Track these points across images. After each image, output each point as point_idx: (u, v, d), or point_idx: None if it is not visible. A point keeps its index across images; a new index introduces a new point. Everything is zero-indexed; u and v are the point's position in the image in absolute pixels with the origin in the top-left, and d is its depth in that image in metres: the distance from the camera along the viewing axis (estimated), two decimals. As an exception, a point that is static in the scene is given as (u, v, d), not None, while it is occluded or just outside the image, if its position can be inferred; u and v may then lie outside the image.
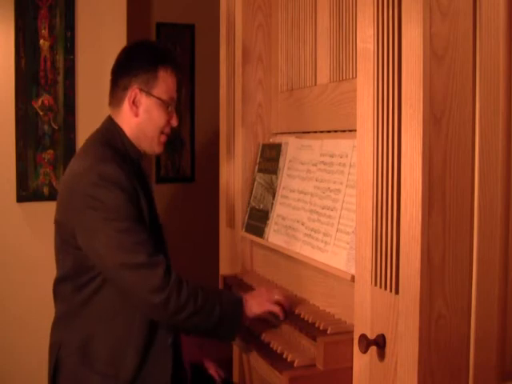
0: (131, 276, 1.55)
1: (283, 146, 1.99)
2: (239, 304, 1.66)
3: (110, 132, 1.74)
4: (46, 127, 2.75)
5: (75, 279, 1.65)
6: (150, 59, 1.73)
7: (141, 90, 1.70)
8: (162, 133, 1.75)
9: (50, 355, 1.72)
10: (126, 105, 1.72)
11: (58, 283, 1.71)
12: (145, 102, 1.71)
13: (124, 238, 1.55)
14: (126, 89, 1.71)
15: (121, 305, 1.62)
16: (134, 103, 1.71)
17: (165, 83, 1.71)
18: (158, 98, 1.70)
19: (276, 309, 1.68)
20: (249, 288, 1.96)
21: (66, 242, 1.65)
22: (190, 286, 1.59)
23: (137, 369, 1.64)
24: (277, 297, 1.70)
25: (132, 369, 1.63)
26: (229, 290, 2.08)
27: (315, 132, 1.87)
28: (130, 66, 1.73)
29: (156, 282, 1.53)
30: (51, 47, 2.74)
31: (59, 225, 1.68)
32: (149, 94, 1.70)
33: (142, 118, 1.72)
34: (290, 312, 1.70)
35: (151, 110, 1.71)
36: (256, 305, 1.68)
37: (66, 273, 1.68)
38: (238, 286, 2.02)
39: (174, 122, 1.76)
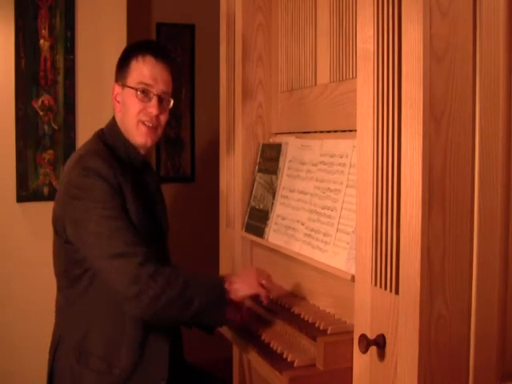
0: (108, 266, 1.54)
1: (283, 146, 1.99)
2: (221, 288, 1.62)
3: (110, 129, 1.77)
4: (46, 127, 2.75)
5: (68, 273, 1.67)
6: (125, 54, 1.77)
7: (119, 84, 1.74)
8: (139, 122, 1.71)
9: (50, 350, 1.74)
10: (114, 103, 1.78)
11: (57, 277, 1.73)
12: (122, 94, 1.74)
13: (103, 225, 1.55)
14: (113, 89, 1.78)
15: (114, 299, 1.60)
16: (116, 99, 1.75)
17: (136, 71, 1.71)
18: (130, 87, 1.71)
19: (263, 292, 1.66)
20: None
21: (59, 237, 1.67)
22: (166, 273, 1.55)
23: (132, 365, 1.64)
24: (264, 281, 1.68)
25: (127, 365, 1.63)
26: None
27: (315, 132, 1.87)
28: (116, 67, 1.79)
29: (129, 274, 1.51)
30: (51, 47, 2.74)
31: (54, 220, 1.70)
32: (124, 85, 1.72)
33: (121, 110, 1.74)
34: (290, 311, 1.70)
35: (125, 100, 1.72)
36: (243, 287, 1.65)
37: (60, 268, 1.70)
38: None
39: (151, 109, 1.70)
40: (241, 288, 1.65)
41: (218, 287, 1.62)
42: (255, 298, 1.71)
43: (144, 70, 1.70)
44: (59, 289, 1.73)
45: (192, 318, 1.61)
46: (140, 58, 1.71)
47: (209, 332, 1.84)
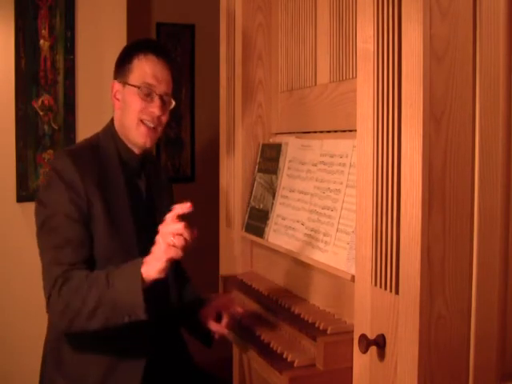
0: (43, 281, 1.55)
1: (283, 146, 1.99)
2: (134, 278, 1.41)
3: (104, 134, 1.76)
4: (46, 127, 2.75)
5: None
6: (126, 51, 1.75)
7: (119, 82, 1.73)
8: (140, 121, 1.69)
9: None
10: (113, 101, 1.76)
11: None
12: (122, 92, 1.72)
13: (43, 237, 1.56)
14: (112, 86, 1.76)
15: None
16: (115, 97, 1.74)
17: (138, 69, 1.69)
18: (132, 85, 1.69)
19: (173, 252, 1.40)
20: (248, 288, 1.96)
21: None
22: (70, 283, 1.47)
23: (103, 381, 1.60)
24: (172, 239, 1.40)
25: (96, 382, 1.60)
26: (228, 291, 2.08)
27: (315, 132, 1.87)
28: (115, 64, 1.77)
29: (47, 292, 1.51)
30: (51, 47, 2.74)
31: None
32: (125, 83, 1.71)
33: (121, 108, 1.72)
34: (290, 311, 1.70)
35: (126, 98, 1.71)
36: (154, 262, 1.41)
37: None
38: (238, 286, 2.02)
39: (153, 109, 1.68)
40: (152, 263, 1.41)
41: (131, 271, 1.43)
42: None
43: (147, 68, 1.69)
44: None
45: (116, 315, 1.44)
46: (142, 57, 1.70)
47: (207, 344, 1.83)
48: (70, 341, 1.62)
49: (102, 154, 1.70)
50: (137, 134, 1.70)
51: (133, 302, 1.41)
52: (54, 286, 1.49)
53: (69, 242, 1.54)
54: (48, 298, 1.51)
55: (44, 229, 1.57)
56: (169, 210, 1.48)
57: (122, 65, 1.73)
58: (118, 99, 1.74)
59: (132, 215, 1.67)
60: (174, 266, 1.78)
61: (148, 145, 1.72)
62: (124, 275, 1.44)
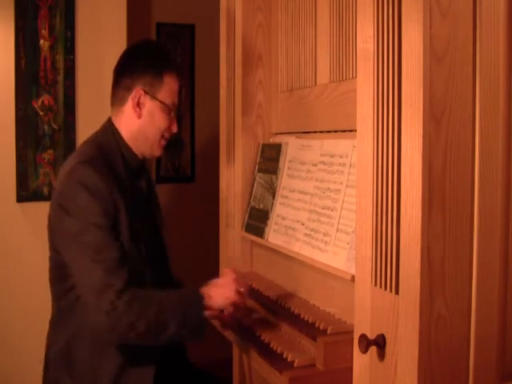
0: (88, 292, 1.52)
1: (283, 146, 1.99)
2: (200, 305, 1.58)
3: (105, 134, 1.74)
4: (46, 127, 2.75)
5: (60, 283, 1.66)
6: (156, 62, 1.73)
7: (145, 92, 1.70)
8: (162, 137, 1.76)
9: (44, 355, 1.73)
10: (128, 105, 1.71)
11: (50, 284, 1.72)
12: (149, 104, 1.70)
13: (88, 248, 1.53)
14: (129, 89, 1.70)
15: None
16: (137, 104, 1.70)
17: (169, 88, 1.72)
18: (162, 102, 1.70)
19: (239, 301, 1.64)
20: (248, 288, 1.96)
21: (50, 243, 1.67)
22: (142, 298, 1.53)
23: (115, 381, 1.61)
24: (242, 289, 1.65)
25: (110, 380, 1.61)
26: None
27: (315, 132, 1.87)
28: (135, 67, 1.72)
29: (107, 303, 1.49)
30: (51, 47, 2.74)
31: (48, 224, 1.70)
32: (153, 97, 1.70)
33: (145, 120, 1.71)
34: (290, 311, 1.70)
35: (154, 113, 1.71)
36: (220, 298, 1.62)
37: (52, 276, 1.68)
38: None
39: (175, 128, 1.78)
40: (218, 300, 1.61)
41: (196, 304, 1.59)
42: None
43: (175, 88, 1.74)
44: (53, 295, 1.72)
45: (170, 339, 1.57)
46: (173, 75, 1.73)
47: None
48: (85, 344, 1.62)
49: (109, 157, 1.70)
50: (157, 147, 1.77)
51: (198, 331, 1.58)
52: (120, 297, 1.49)
53: (111, 249, 1.55)
54: (110, 304, 1.49)
55: (80, 240, 1.54)
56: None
57: (153, 78, 1.70)
58: (140, 108, 1.71)
59: (139, 215, 1.69)
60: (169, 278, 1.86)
61: (160, 155, 1.83)
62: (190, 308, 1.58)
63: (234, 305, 1.64)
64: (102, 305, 1.49)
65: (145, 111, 1.71)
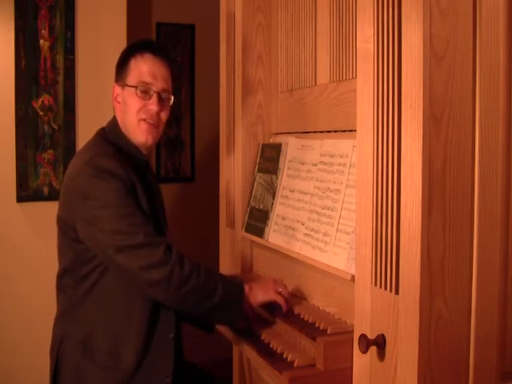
0: (131, 257, 1.55)
1: (283, 146, 1.99)
2: (241, 288, 1.66)
3: (112, 130, 1.77)
4: (46, 127, 2.75)
5: (75, 272, 1.67)
6: (124, 54, 1.77)
7: (119, 85, 1.75)
8: (140, 120, 1.71)
9: (52, 350, 1.73)
10: (113, 102, 1.78)
11: (60, 278, 1.73)
12: (122, 94, 1.74)
13: (121, 222, 1.56)
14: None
15: (120, 296, 1.63)
16: (116, 100, 1.76)
17: (135, 69, 1.72)
18: (130, 86, 1.71)
19: (281, 300, 1.69)
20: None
21: (66, 236, 1.67)
22: (191, 261, 1.60)
23: (138, 361, 1.64)
24: (281, 289, 1.71)
25: (133, 361, 1.63)
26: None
27: (315, 132, 1.87)
28: (115, 68, 1.79)
29: (157, 259, 1.53)
30: (51, 47, 2.75)
31: (60, 220, 1.70)
32: (124, 85, 1.73)
33: (122, 109, 1.74)
34: (290, 311, 1.70)
35: (126, 100, 1.73)
36: (261, 293, 1.69)
37: (67, 266, 1.69)
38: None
39: (151, 106, 1.70)
40: (259, 294, 1.68)
41: (238, 287, 1.66)
42: (271, 305, 1.72)
43: (143, 67, 1.71)
44: (62, 289, 1.73)
45: (209, 311, 1.63)
46: (139, 57, 1.72)
47: (209, 331, 1.84)
48: (106, 329, 1.65)
49: (123, 152, 1.71)
50: (138, 132, 1.72)
51: (233, 314, 1.67)
52: (171, 249, 1.57)
53: (147, 223, 1.59)
54: (164, 260, 1.54)
55: (117, 220, 1.57)
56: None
57: (121, 68, 1.75)
58: (118, 102, 1.75)
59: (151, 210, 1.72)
60: None
61: (150, 142, 1.75)
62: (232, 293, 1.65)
63: (272, 303, 1.69)
64: (153, 258, 1.54)
65: (121, 102, 1.74)
